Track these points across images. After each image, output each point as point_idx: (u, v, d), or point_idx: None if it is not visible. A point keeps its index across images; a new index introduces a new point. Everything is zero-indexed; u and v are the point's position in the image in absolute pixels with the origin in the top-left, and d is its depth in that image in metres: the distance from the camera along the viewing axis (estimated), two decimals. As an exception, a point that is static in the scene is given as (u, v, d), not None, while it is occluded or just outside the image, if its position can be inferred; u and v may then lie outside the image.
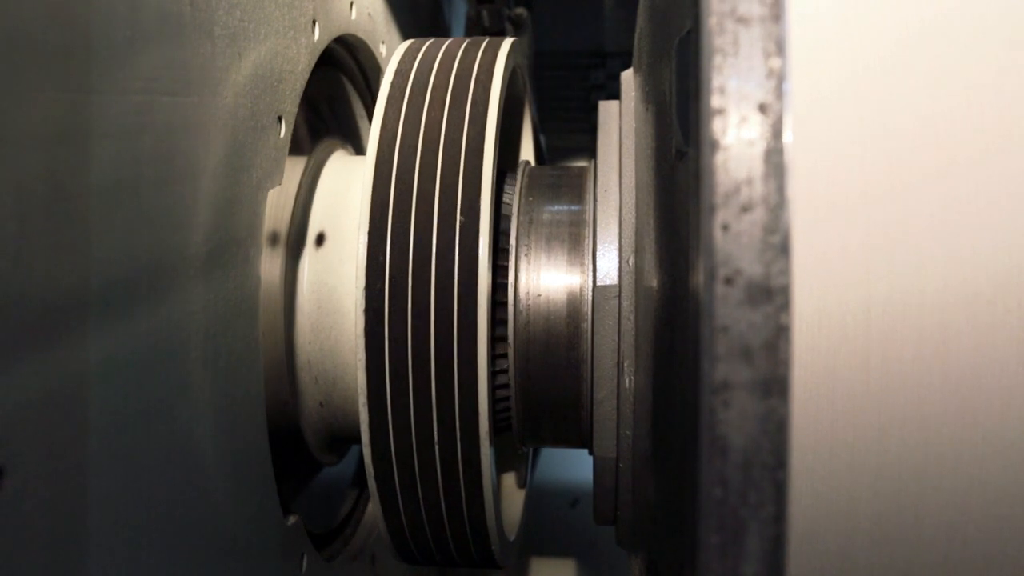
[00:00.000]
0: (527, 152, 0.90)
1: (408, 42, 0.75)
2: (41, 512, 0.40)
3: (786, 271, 0.38)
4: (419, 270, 0.61)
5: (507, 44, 0.73)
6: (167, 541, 0.50)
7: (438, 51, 0.71)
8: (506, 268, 0.69)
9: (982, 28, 0.40)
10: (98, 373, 0.43)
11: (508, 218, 0.71)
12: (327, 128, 0.86)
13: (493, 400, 0.68)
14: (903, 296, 0.39)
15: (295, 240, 0.70)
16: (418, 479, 0.64)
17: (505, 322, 0.68)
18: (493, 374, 0.67)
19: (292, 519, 0.67)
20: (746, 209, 0.38)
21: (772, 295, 0.38)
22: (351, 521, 0.88)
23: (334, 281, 0.69)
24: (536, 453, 1.13)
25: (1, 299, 0.37)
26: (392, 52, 0.78)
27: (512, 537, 0.78)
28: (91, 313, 0.43)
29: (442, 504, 0.65)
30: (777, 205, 0.38)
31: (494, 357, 0.67)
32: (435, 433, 0.62)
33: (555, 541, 1.31)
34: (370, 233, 0.62)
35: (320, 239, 0.71)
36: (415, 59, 0.71)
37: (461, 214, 0.61)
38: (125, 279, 0.46)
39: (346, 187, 0.74)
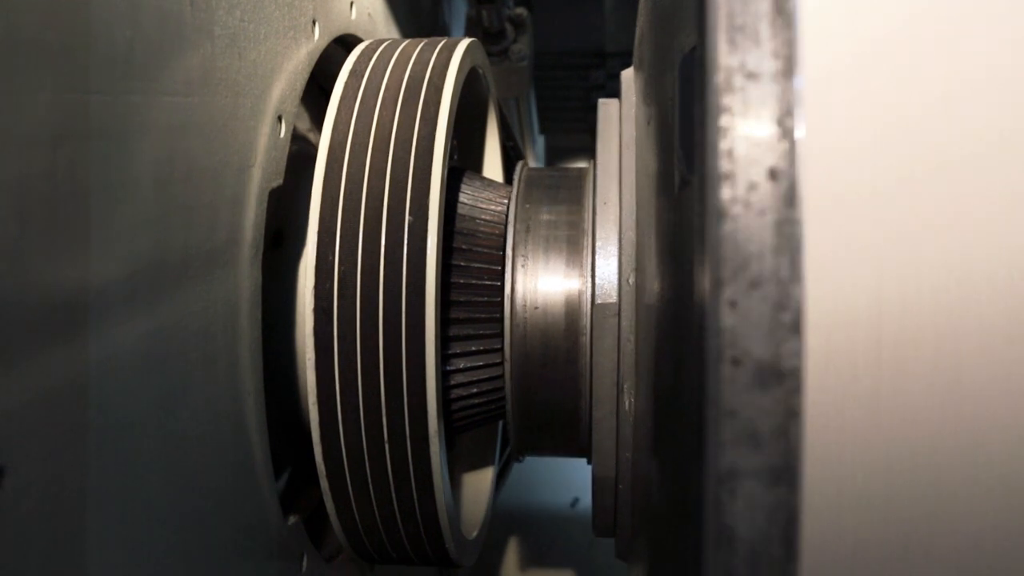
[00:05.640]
0: (493, 153, 0.89)
1: (364, 43, 0.74)
2: (41, 512, 0.40)
3: (798, 352, 0.35)
4: (368, 270, 0.61)
5: (463, 44, 0.72)
6: (167, 541, 0.50)
7: (394, 52, 0.71)
8: (461, 267, 0.68)
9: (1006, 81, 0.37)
10: (98, 373, 0.43)
11: (471, 218, 0.70)
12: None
13: (446, 400, 0.68)
14: (914, 383, 0.36)
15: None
16: (369, 478, 0.64)
17: (462, 321, 0.67)
18: (446, 373, 0.67)
19: (292, 519, 0.67)
20: (755, 285, 0.35)
21: (783, 377, 0.35)
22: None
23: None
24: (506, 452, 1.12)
25: (1, 299, 0.37)
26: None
27: (473, 536, 0.78)
28: (91, 313, 0.43)
29: (394, 503, 0.65)
30: (788, 280, 0.35)
31: (447, 357, 0.67)
32: (385, 432, 0.62)
33: (555, 541, 1.31)
34: (319, 232, 0.62)
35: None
36: (370, 59, 0.70)
37: (410, 214, 0.61)
38: (126, 279, 0.46)
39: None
